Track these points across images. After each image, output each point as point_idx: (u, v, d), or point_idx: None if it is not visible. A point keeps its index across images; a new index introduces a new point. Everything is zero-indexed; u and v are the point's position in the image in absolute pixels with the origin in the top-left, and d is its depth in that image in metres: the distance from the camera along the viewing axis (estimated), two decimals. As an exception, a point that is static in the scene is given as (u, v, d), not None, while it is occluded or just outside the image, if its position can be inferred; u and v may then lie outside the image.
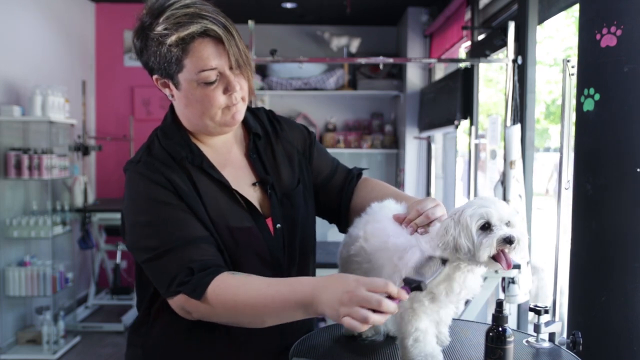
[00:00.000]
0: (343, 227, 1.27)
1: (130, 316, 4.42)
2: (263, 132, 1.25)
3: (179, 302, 1.03)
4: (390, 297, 0.87)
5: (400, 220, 1.08)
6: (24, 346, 3.77)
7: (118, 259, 4.71)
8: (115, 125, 5.25)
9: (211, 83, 1.06)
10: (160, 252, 1.04)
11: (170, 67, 1.06)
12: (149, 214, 1.07)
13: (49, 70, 4.43)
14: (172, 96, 1.12)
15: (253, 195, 1.17)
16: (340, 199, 1.29)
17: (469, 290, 1.00)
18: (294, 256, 1.19)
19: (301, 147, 1.29)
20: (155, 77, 1.11)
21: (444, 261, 0.96)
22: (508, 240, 0.91)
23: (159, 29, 1.04)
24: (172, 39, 1.03)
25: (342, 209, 1.28)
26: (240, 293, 0.99)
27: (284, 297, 0.96)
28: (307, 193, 1.26)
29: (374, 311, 0.85)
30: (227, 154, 1.19)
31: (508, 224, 0.94)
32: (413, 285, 0.90)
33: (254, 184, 1.19)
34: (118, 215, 4.51)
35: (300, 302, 0.94)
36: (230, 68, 1.07)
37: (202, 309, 1.00)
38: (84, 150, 4.45)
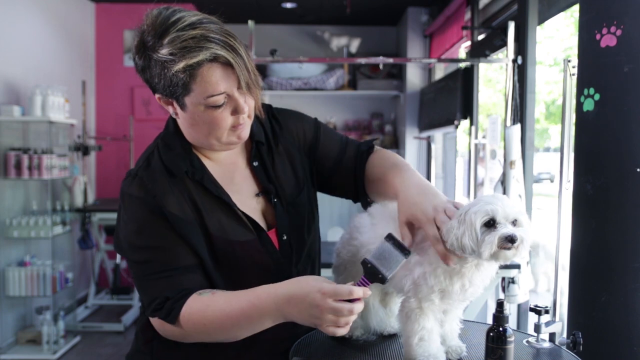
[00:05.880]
0: (364, 205, 1.23)
1: (130, 316, 4.42)
2: (265, 137, 1.21)
3: (156, 324, 1.08)
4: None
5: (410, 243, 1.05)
6: (24, 346, 3.77)
7: (118, 259, 4.70)
8: (115, 125, 5.25)
9: (219, 106, 1.03)
10: (146, 275, 1.07)
11: (175, 90, 1.02)
12: (138, 237, 1.08)
13: (49, 70, 4.43)
14: (176, 114, 1.09)
15: (256, 207, 1.16)
16: (355, 179, 1.23)
17: (475, 288, 1.00)
18: (301, 263, 1.18)
19: (302, 139, 1.24)
20: (157, 96, 1.07)
21: (406, 252, 0.95)
22: (510, 239, 0.90)
23: (164, 52, 0.98)
24: (180, 66, 0.97)
25: (358, 189, 1.23)
26: (208, 315, 1.02)
27: (246, 314, 1.00)
28: (312, 195, 1.25)
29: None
30: (230, 165, 1.17)
31: (514, 222, 0.93)
32: (374, 278, 0.95)
33: (257, 195, 1.17)
34: (118, 215, 4.35)
35: (265, 316, 0.99)
36: (239, 89, 1.03)
37: (176, 333, 1.06)
38: (84, 150, 4.45)
